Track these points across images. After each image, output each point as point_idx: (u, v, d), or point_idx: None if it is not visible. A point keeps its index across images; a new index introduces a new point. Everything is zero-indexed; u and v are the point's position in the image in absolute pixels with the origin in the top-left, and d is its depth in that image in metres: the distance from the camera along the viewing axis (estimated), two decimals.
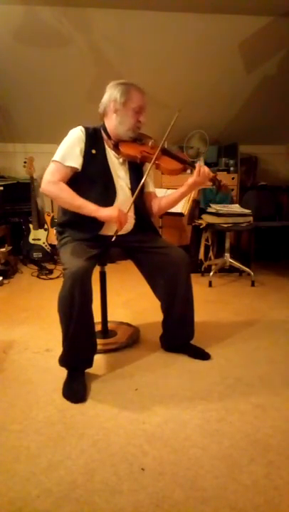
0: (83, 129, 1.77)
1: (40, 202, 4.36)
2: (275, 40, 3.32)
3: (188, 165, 1.86)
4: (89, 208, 1.68)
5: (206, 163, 3.98)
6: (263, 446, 1.30)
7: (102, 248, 1.80)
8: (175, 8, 2.99)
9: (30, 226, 3.87)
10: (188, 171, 1.90)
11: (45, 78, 3.53)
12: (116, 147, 1.81)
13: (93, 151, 1.77)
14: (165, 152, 1.84)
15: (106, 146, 1.82)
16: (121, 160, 1.84)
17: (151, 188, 1.99)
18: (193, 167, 1.81)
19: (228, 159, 4.04)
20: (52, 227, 3.89)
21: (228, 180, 3.92)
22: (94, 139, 1.78)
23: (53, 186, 1.71)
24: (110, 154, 1.82)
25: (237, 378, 1.73)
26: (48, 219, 3.95)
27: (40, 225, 3.90)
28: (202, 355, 1.90)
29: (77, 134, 1.76)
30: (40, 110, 3.85)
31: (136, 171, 1.87)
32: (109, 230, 1.80)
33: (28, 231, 3.87)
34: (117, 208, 1.69)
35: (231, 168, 3.99)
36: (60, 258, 1.84)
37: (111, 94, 1.77)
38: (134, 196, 1.76)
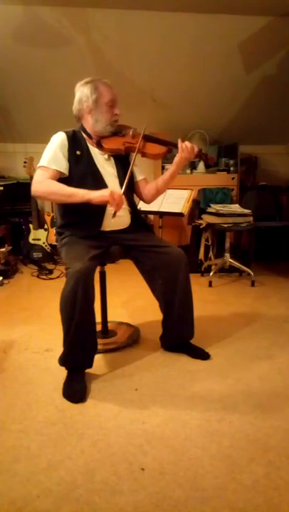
0: (64, 134, 1.79)
1: (40, 202, 4.36)
2: (275, 40, 3.32)
3: (171, 146, 1.88)
4: (80, 193, 1.67)
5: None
6: (263, 446, 1.30)
7: (103, 248, 1.80)
8: (175, 8, 2.99)
9: (30, 226, 3.87)
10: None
11: (45, 78, 3.53)
12: (99, 144, 1.83)
13: (78, 153, 1.79)
14: (148, 138, 1.85)
15: (89, 146, 1.84)
16: (106, 156, 1.86)
17: (140, 175, 2.01)
18: (175, 146, 1.83)
19: (228, 159, 4.04)
20: (52, 227, 3.89)
21: (228, 180, 3.91)
22: (76, 141, 1.81)
23: (39, 185, 1.71)
24: (95, 152, 1.85)
25: (237, 378, 1.73)
26: (48, 219, 3.95)
27: (40, 225, 3.90)
28: (202, 354, 1.90)
29: (59, 139, 1.78)
30: (40, 110, 3.85)
31: (123, 163, 1.89)
32: (109, 227, 1.83)
33: (28, 231, 3.87)
34: (108, 189, 1.70)
35: (231, 168, 3.99)
36: (61, 258, 1.85)
37: (81, 95, 1.79)
38: (124, 186, 1.75)
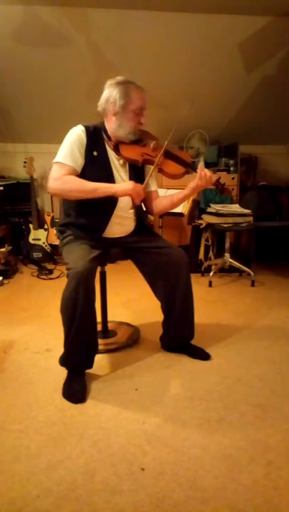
0: (84, 129, 1.71)
1: (40, 202, 4.36)
2: (275, 40, 3.32)
3: (190, 168, 1.84)
4: (104, 187, 1.64)
5: (206, 163, 3.99)
6: (263, 446, 1.30)
7: (104, 249, 1.80)
8: (175, 8, 2.99)
9: (30, 226, 3.87)
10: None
11: (45, 78, 3.53)
12: (116, 148, 1.77)
13: (94, 153, 1.72)
14: (168, 155, 1.78)
15: (107, 147, 1.78)
16: (121, 161, 1.80)
17: (153, 187, 1.95)
18: (194, 170, 1.78)
19: (228, 159, 4.04)
20: (52, 227, 3.89)
21: (228, 180, 3.91)
22: (95, 139, 1.73)
23: (57, 182, 1.65)
24: (111, 155, 1.78)
25: (237, 378, 1.73)
26: (48, 219, 3.95)
27: (40, 225, 3.90)
28: (202, 355, 1.90)
29: (78, 134, 1.70)
30: (40, 110, 3.85)
31: (137, 172, 1.84)
32: (111, 234, 1.82)
33: (28, 231, 3.87)
34: (131, 181, 1.68)
35: (231, 168, 3.98)
36: (62, 257, 1.84)
37: (110, 95, 1.71)
38: (145, 182, 1.73)
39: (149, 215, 3.95)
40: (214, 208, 3.25)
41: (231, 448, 1.29)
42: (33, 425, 1.41)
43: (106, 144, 1.77)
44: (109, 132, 1.76)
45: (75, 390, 1.60)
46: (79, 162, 1.70)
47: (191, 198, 3.19)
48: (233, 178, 3.93)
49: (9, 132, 4.14)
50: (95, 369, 1.73)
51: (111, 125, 1.75)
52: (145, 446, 1.30)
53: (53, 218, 3.94)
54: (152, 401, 1.56)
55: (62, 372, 1.69)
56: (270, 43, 3.35)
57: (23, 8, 2.92)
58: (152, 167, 1.77)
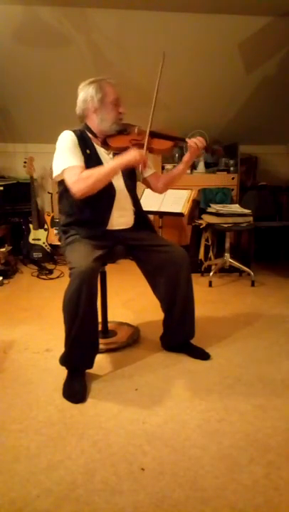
0: (72, 132, 1.78)
1: (40, 202, 4.36)
2: (275, 40, 3.32)
3: (178, 140, 1.89)
4: (116, 163, 1.70)
5: (206, 163, 3.99)
6: (263, 446, 1.30)
7: (108, 248, 1.80)
8: (175, 8, 2.99)
9: (30, 226, 3.87)
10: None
11: (45, 78, 3.53)
12: (104, 143, 1.84)
13: (87, 151, 1.78)
14: (154, 135, 1.85)
15: (95, 145, 1.84)
16: (111, 155, 1.86)
17: (151, 170, 2.01)
18: (183, 140, 1.85)
19: (228, 159, 4.03)
20: (52, 227, 3.89)
21: (228, 180, 3.91)
22: (83, 140, 1.80)
23: (79, 183, 1.68)
24: (101, 151, 1.85)
25: (237, 378, 1.73)
26: (48, 219, 3.95)
27: (40, 225, 3.90)
28: (202, 354, 1.90)
29: (70, 136, 1.76)
30: (40, 110, 3.85)
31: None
32: (115, 225, 1.85)
33: (28, 231, 3.87)
34: (133, 148, 1.72)
35: (231, 168, 3.98)
36: (64, 257, 1.85)
37: (85, 95, 1.79)
38: (147, 133, 1.77)
39: (148, 216, 3.95)
40: (214, 208, 3.25)
41: (231, 448, 1.29)
42: (33, 425, 1.41)
43: (93, 142, 1.84)
44: (94, 130, 1.84)
45: (75, 390, 1.60)
46: (83, 159, 1.75)
47: (191, 198, 3.19)
48: (233, 178, 3.93)
49: (9, 132, 4.13)
50: (95, 369, 1.73)
51: (94, 122, 1.83)
52: (145, 446, 1.30)
53: (53, 218, 3.94)
54: (152, 401, 1.56)
55: (62, 372, 1.69)
56: (270, 43, 3.35)
57: (23, 8, 2.91)
58: (143, 151, 1.80)
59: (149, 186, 2.05)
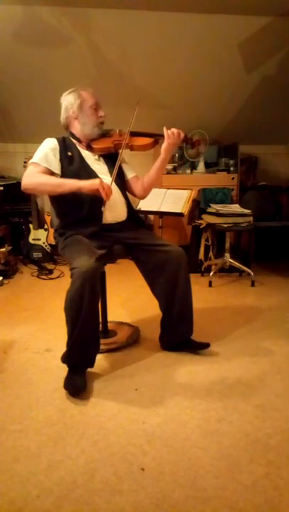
0: (54, 139, 1.88)
1: (40, 202, 4.36)
2: (275, 40, 3.32)
3: (157, 136, 1.95)
4: (68, 182, 1.73)
5: (206, 163, 3.99)
6: (263, 446, 1.30)
7: (107, 248, 1.82)
8: (175, 8, 2.99)
9: (30, 226, 3.87)
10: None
11: (45, 78, 3.52)
12: (89, 147, 1.92)
13: (69, 153, 1.87)
14: (133, 134, 1.95)
15: (79, 149, 1.92)
16: (96, 157, 1.95)
17: (131, 173, 2.08)
18: (162, 136, 1.91)
19: (228, 159, 4.03)
20: (52, 227, 3.89)
21: (228, 180, 3.91)
22: (66, 145, 1.89)
23: (28, 178, 1.77)
24: (86, 154, 1.93)
25: (237, 378, 1.73)
26: (48, 219, 3.95)
27: (40, 225, 3.90)
28: (201, 346, 1.93)
29: (50, 142, 1.86)
30: (40, 110, 3.84)
31: (113, 162, 1.94)
32: (109, 218, 1.89)
33: (28, 231, 3.87)
34: (98, 179, 1.75)
35: (231, 168, 3.98)
36: (64, 258, 1.86)
37: (66, 103, 1.91)
38: (113, 175, 1.83)
39: (148, 216, 3.96)
40: (214, 208, 3.25)
41: (231, 448, 1.29)
42: (33, 425, 1.42)
43: (78, 146, 1.93)
44: (77, 136, 1.94)
45: (76, 383, 1.61)
46: (54, 164, 1.83)
47: (191, 198, 3.19)
48: (233, 178, 3.93)
49: (9, 132, 4.13)
50: (95, 368, 1.73)
51: (77, 128, 1.93)
52: (145, 446, 1.30)
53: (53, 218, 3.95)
54: (152, 401, 1.56)
55: (63, 373, 1.69)
56: (270, 43, 3.35)
57: (23, 8, 2.91)
58: (121, 151, 1.88)
59: (129, 191, 2.08)
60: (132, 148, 1.93)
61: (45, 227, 3.90)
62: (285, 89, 3.84)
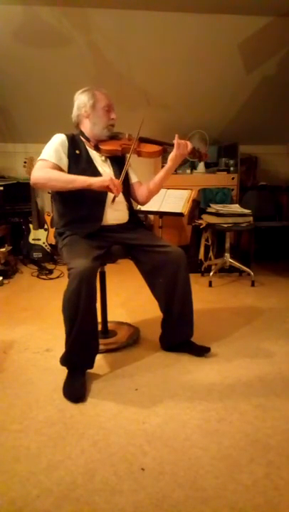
0: (63, 135, 1.86)
1: (40, 202, 4.37)
2: (275, 40, 3.32)
3: (166, 145, 1.95)
4: (80, 179, 1.72)
5: (206, 163, 3.99)
6: (263, 446, 1.30)
7: (105, 248, 1.82)
8: (175, 8, 2.99)
9: (30, 226, 3.87)
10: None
11: (45, 78, 3.53)
12: (96, 147, 1.91)
13: (77, 152, 1.87)
14: (142, 140, 1.95)
15: (87, 147, 1.91)
16: (103, 158, 1.94)
17: (134, 179, 2.08)
18: (172, 145, 1.91)
19: (228, 159, 4.04)
20: (52, 227, 3.89)
21: (228, 180, 3.91)
22: (75, 142, 1.89)
23: (39, 172, 1.75)
24: (93, 153, 1.92)
25: (237, 378, 1.73)
26: (48, 219, 3.95)
27: (40, 225, 3.90)
28: (202, 350, 1.92)
29: (59, 138, 1.85)
30: (40, 110, 3.85)
31: (119, 165, 1.96)
32: (110, 220, 1.88)
33: (28, 231, 3.87)
34: (108, 175, 1.77)
35: (231, 168, 3.99)
36: (61, 258, 1.87)
37: (79, 102, 1.90)
38: (122, 175, 1.82)
39: (148, 216, 3.96)
40: (214, 208, 3.25)
41: (231, 448, 1.29)
42: (33, 425, 1.41)
43: (86, 145, 1.92)
44: (86, 134, 1.92)
45: (75, 389, 1.60)
46: (63, 161, 1.82)
47: (191, 198, 3.19)
48: (233, 178, 3.93)
49: (9, 132, 4.14)
50: (95, 369, 1.73)
51: (87, 127, 1.91)
52: (145, 446, 1.30)
53: (53, 218, 3.94)
54: (152, 401, 1.56)
55: (62, 373, 1.69)
56: (270, 43, 3.35)
57: (23, 8, 2.92)
58: (129, 155, 1.89)
59: (131, 195, 2.08)
60: (139, 154, 1.93)
61: (45, 227, 3.90)
62: (285, 89, 3.84)
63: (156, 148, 1.94)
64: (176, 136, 1.89)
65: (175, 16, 3.06)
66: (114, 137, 1.94)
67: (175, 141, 1.87)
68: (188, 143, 1.91)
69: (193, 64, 3.50)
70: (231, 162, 4.00)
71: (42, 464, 1.22)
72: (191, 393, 1.61)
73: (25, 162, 3.83)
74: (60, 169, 1.80)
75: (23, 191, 3.95)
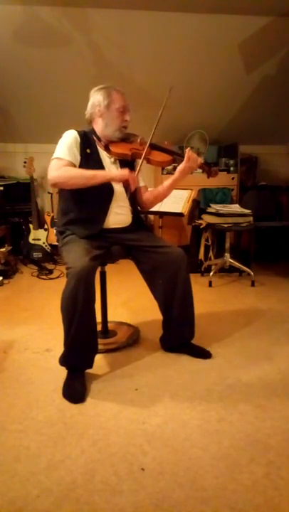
0: (76, 132, 1.84)
1: (40, 202, 4.36)
2: (275, 40, 3.32)
3: (177, 156, 1.93)
4: (100, 173, 1.75)
5: (206, 163, 3.98)
6: (263, 446, 1.30)
7: (105, 249, 1.81)
8: (175, 8, 2.99)
9: (30, 226, 3.87)
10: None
11: (45, 78, 3.53)
12: (107, 148, 1.88)
13: (88, 150, 1.84)
14: (154, 147, 1.91)
15: (98, 147, 1.89)
16: (112, 159, 1.91)
17: (142, 182, 2.06)
18: (182, 157, 1.88)
19: (228, 159, 4.03)
20: (52, 227, 3.89)
21: (228, 180, 3.91)
22: (86, 140, 1.86)
23: (58, 171, 1.73)
24: (103, 154, 1.90)
25: (237, 378, 1.73)
26: (48, 219, 3.95)
27: (40, 225, 3.90)
28: (203, 353, 1.91)
29: (72, 134, 1.82)
30: (40, 110, 3.85)
31: (127, 167, 1.91)
32: (112, 224, 1.87)
33: (28, 231, 3.87)
34: (126, 168, 1.79)
35: (231, 168, 3.98)
36: (62, 257, 1.86)
37: (94, 99, 1.87)
38: (137, 170, 1.84)
39: (148, 216, 3.95)
40: (214, 208, 3.25)
41: (231, 448, 1.29)
42: (33, 425, 1.42)
43: (97, 144, 1.89)
44: (98, 134, 1.90)
45: (75, 390, 1.60)
46: (77, 158, 1.80)
47: (191, 198, 3.19)
48: (233, 178, 3.93)
49: (9, 132, 4.13)
50: (94, 369, 1.73)
51: (99, 127, 1.89)
52: (145, 446, 1.30)
53: (53, 218, 3.94)
54: (152, 401, 1.56)
55: (62, 373, 1.69)
56: (270, 43, 3.35)
57: (23, 8, 2.91)
58: (140, 161, 1.86)
59: (136, 200, 2.05)
60: (148, 161, 1.89)
61: (45, 227, 3.90)
62: (285, 89, 3.84)
63: (166, 157, 1.91)
64: (188, 148, 1.87)
65: (175, 15, 3.06)
66: (125, 139, 1.90)
67: (186, 154, 1.83)
68: (199, 158, 1.88)
69: (193, 64, 3.50)
70: (231, 162, 4.00)
71: (42, 464, 1.22)
72: (191, 393, 1.61)
73: (25, 162, 3.83)
74: (74, 167, 1.78)
75: (23, 191, 3.95)
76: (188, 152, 1.84)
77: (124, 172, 1.73)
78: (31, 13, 2.95)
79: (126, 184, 1.76)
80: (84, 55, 3.33)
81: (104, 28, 3.13)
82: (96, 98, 1.86)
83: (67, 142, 1.79)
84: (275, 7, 2.98)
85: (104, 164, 1.87)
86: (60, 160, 1.76)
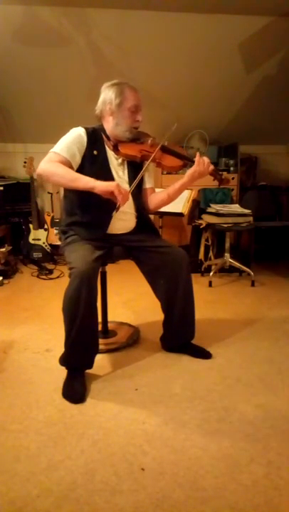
0: (84, 130, 1.76)
1: (40, 202, 4.36)
2: (275, 40, 3.32)
3: (188, 160, 1.87)
4: (85, 179, 1.62)
5: None
6: (263, 446, 1.30)
7: (106, 249, 1.80)
8: (175, 8, 2.99)
9: (30, 226, 3.87)
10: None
11: (45, 78, 3.53)
12: (115, 148, 1.81)
13: (95, 152, 1.77)
14: (165, 150, 1.84)
15: (106, 147, 1.82)
16: (120, 160, 1.85)
17: (148, 184, 1.97)
18: (193, 162, 1.81)
19: (228, 159, 4.04)
20: (52, 227, 3.89)
21: (228, 180, 3.90)
22: (94, 139, 1.78)
23: (46, 164, 1.66)
24: (110, 154, 1.83)
25: (237, 378, 1.73)
26: (48, 219, 3.95)
27: (40, 225, 3.90)
28: (203, 354, 1.91)
29: (78, 134, 1.75)
30: (40, 110, 3.85)
31: (135, 170, 1.85)
32: (115, 230, 1.83)
33: (28, 231, 3.87)
34: (116, 182, 1.65)
35: (231, 168, 3.98)
36: (64, 257, 1.84)
37: (105, 96, 1.77)
38: (133, 186, 1.74)
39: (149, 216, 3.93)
40: (214, 208, 3.25)
41: (231, 448, 1.29)
42: (33, 425, 1.41)
43: (105, 144, 1.82)
44: (107, 132, 1.82)
45: (75, 390, 1.60)
46: (76, 158, 1.73)
47: (191, 198, 3.19)
48: (233, 178, 3.93)
49: (9, 132, 4.13)
50: (94, 369, 1.73)
51: (109, 125, 1.81)
52: (145, 446, 1.30)
53: (53, 218, 3.94)
54: (152, 401, 1.56)
55: (62, 372, 1.69)
56: (270, 43, 3.35)
57: (23, 8, 2.91)
58: (146, 163, 1.79)
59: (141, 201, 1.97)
60: (158, 164, 1.83)
61: (45, 227, 3.90)
62: (285, 89, 3.84)
63: (176, 162, 1.83)
64: (198, 153, 1.80)
65: (175, 15, 3.06)
66: (136, 140, 1.81)
67: (196, 158, 1.77)
68: (211, 165, 1.81)
69: (194, 64, 3.50)
70: (231, 162, 4.00)
71: (42, 464, 1.22)
72: (191, 393, 1.61)
73: (25, 162, 3.83)
74: (70, 165, 1.71)
75: (23, 191, 3.95)
76: (198, 156, 1.77)
77: (111, 185, 1.58)
78: (31, 13, 2.95)
79: (111, 197, 1.59)
80: (84, 55, 3.33)
81: (104, 28, 3.13)
82: (108, 95, 1.76)
83: (69, 140, 1.72)
84: (275, 7, 2.98)
85: (111, 166, 1.81)
86: (56, 154, 1.69)
